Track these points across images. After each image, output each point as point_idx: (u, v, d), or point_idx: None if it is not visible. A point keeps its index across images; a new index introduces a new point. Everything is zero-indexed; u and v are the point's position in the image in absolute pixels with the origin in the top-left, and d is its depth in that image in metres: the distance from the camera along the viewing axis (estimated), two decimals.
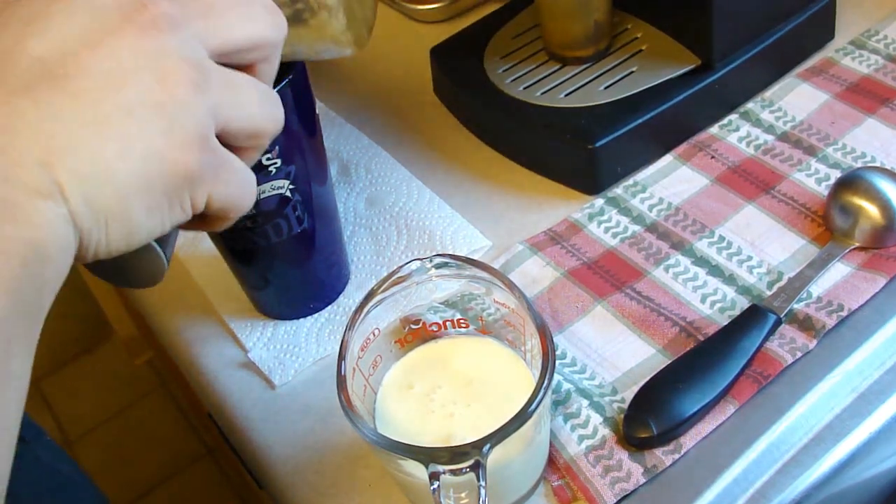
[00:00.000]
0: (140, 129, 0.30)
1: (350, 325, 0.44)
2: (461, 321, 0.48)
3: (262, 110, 0.35)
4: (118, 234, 0.31)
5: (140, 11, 0.31)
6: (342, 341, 0.43)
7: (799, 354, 0.48)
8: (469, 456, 0.38)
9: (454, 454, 0.38)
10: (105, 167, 0.30)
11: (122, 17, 0.31)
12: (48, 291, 0.30)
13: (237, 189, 0.35)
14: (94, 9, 0.31)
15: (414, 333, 0.48)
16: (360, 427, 0.41)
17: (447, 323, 0.48)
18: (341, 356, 0.43)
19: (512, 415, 0.39)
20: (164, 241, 0.39)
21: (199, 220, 0.36)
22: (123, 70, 0.30)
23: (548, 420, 0.44)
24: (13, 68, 0.29)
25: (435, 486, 0.38)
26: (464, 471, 0.38)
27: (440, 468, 0.38)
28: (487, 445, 0.38)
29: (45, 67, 0.29)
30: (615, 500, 0.44)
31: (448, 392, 0.45)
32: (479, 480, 0.38)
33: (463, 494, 0.39)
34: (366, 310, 0.44)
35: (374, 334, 0.46)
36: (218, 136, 0.33)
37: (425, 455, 0.39)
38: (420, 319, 0.48)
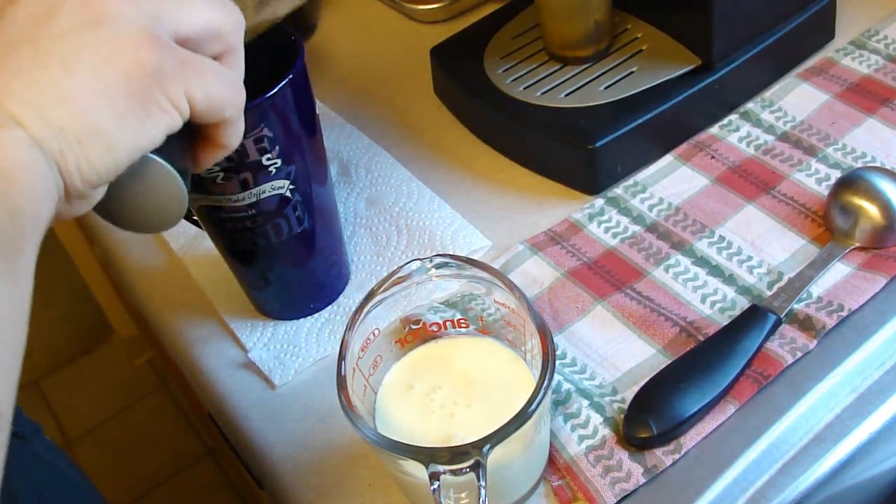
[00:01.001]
0: (78, 46, 0.31)
1: (350, 325, 0.44)
2: (461, 321, 0.48)
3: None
4: (98, 151, 0.31)
5: None
6: (342, 341, 0.43)
7: (799, 354, 0.48)
8: (469, 456, 0.38)
9: (454, 454, 0.38)
10: (53, 88, 0.31)
11: None
12: (28, 221, 0.30)
13: (217, 84, 0.35)
14: None
15: (414, 333, 0.48)
16: (361, 427, 0.41)
17: (447, 323, 0.48)
18: (341, 356, 0.43)
19: (512, 415, 0.39)
20: (174, 163, 0.37)
21: (204, 140, 0.37)
22: (51, 4, 0.31)
23: (548, 420, 0.44)
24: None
25: (435, 486, 0.38)
26: (464, 471, 0.38)
27: (440, 468, 0.38)
28: (487, 445, 0.38)
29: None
30: (615, 501, 0.44)
31: (448, 392, 0.45)
32: (479, 480, 0.38)
33: (463, 494, 0.39)
34: (366, 310, 0.44)
35: (374, 334, 0.46)
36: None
37: (425, 455, 0.39)
38: (420, 319, 0.48)
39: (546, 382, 0.40)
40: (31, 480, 0.59)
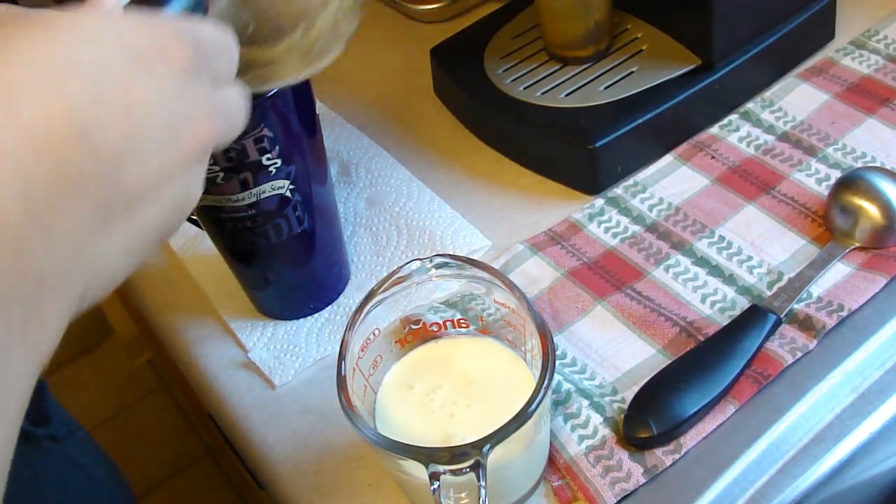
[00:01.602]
0: (151, 245, 0.32)
1: (350, 325, 0.44)
2: (461, 321, 0.48)
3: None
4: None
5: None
6: (342, 341, 0.43)
7: (799, 354, 0.48)
8: (469, 456, 0.38)
9: (454, 454, 0.38)
10: (112, 285, 0.31)
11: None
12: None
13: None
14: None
15: (414, 333, 0.48)
16: (361, 427, 0.41)
17: (447, 323, 0.48)
18: (341, 356, 0.43)
19: (512, 415, 0.39)
20: None
21: None
22: (160, 192, 0.31)
23: (548, 420, 0.44)
24: (100, 175, 0.28)
25: (435, 486, 0.38)
26: (464, 471, 0.38)
27: (440, 468, 0.38)
28: (487, 445, 0.38)
29: (121, 182, 0.29)
30: (615, 501, 0.44)
31: (448, 392, 0.45)
32: (479, 480, 0.38)
33: (463, 494, 0.39)
34: (366, 310, 0.44)
35: (374, 334, 0.45)
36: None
37: (425, 455, 0.39)
38: (420, 319, 0.48)
39: (546, 382, 0.40)
40: (61, 483, 0.59)
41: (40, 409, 0.59)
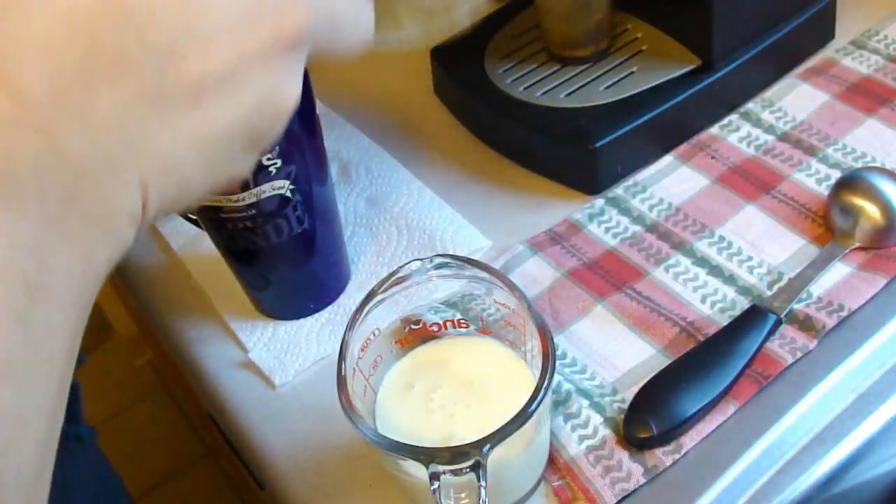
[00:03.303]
0: (230, 149, 0.29)
1: (350, 326, 0.44)
2: (461, 321, 0.48)
3: None
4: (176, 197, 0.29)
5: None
6: (342, 341, 0.43)
7: (799, 355, 0.48)
8: (469, 456, 0.38)
9: (454, 454, 0.38)
10: (186, 188, 0.29)
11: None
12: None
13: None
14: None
15: (414, 333, 0.48)
16: (361, 427, 0.41)
17: (447, 323, 0.48)
18: (341, 356, 0.43)
19: (512, 415, 0.39)
20: None
21: None
22: (237, 87, 0.28)
23: (548, 420, 0.44)
24: (146, 59, 0.26)
25: (435, 486, 0.38)
26: (464, 471, 0.38)
27: (440, 468, 0.38)
28: (488, 445, 0.38)
29: (179, 69, 0.26)
30: (615, 501, 0.44)
31: (448, 392, 0.45)
32: (479, 480, 0.38)
33: (463, 495, 0.39)
34: (366, 310, 0.44)
35: (374, 334, 0.45)
36: None
37: (426, 455, 0.39)
38: (420, 319, 0.48)
39: (546, 382, 0.40)
40: (87, 488, 0.59)
41: (71, 404, 0.59)
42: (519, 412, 0.39)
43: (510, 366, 0.47)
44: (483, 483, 0.38)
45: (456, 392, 0.45)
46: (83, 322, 0.27)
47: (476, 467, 0.38)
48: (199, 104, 0.27)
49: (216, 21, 0.27)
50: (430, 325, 0.48)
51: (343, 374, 0.42)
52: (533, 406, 0.39)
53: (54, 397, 0.26)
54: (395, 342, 0.47)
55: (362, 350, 0.45)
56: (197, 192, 0.29)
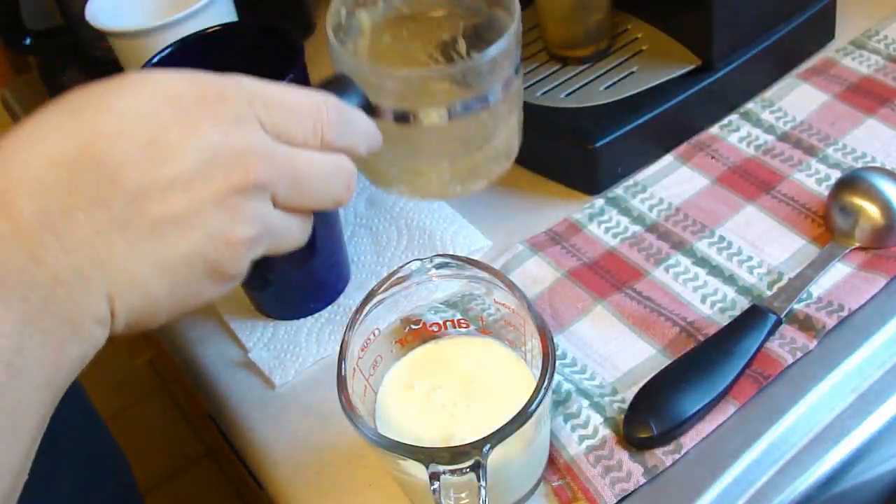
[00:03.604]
0: (190, 276, 0.35)
1: (350, 325, 0.44)
2: (461, 321, 0.48)
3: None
4: (144, 314, 0.35)
5: (235, 172, 0.34)
6: (342, 341, 0.43)
7: (799, 354, 0.48)
8: (469, 456, 0.38)
9: (454, 454, 0.38)
10: (154, 304, 0.35)
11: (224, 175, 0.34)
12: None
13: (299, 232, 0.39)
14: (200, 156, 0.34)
15: (414, 333, 0.48)
16: (361, 427, 0.41)
17: (447, 323, 0.48)
18: (341, 356, 0.43)
19: (512, 415, 0.39)
20: None
21: None
22: (191, 225, 0.34)
23: (548, 420, 0.44)
24: (115, 197, 0.32)
25: (435, 486, 0.38)
26: (464, 471, 0.38)
27: (440, 468, 0.38)
28: (488, 445, 0.38)
29: (142, 207, 0.33)
30: (615, 501, 0.44)
31: (448, 392, 0.45)
32: (479, 480, 0.38)
33: (463, 494, 0.39)
34: (366, 310, 0.44)
35: (374, 334, 0.45)
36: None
37: (426, 455, 0.39)
38: (420, 319, 0.48)
39: (546, 382, 0.40)
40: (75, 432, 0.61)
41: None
42: (519, 412, 0.39)
43: (510, 366, 0.47)
44: (483, 483, 0.38)
45: (456, 392, 0.45)
46: (54, 402, 0.33)
47: (476, 467, 0.38)
48: (159, 235, 0.33)
49: (175, 173, 0.33)
50: (430, 325, 0.48)
51: (343, 374, 0.42)
52: (533, 406, 0.39)
53: (21, 459, 0.31)
54: (395, 342, 0.47)
55: (362, 350, 0.45)
56: (165, 309, 0.35)
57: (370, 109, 0.41)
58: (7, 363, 0.30)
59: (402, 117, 0.42)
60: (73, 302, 0.32)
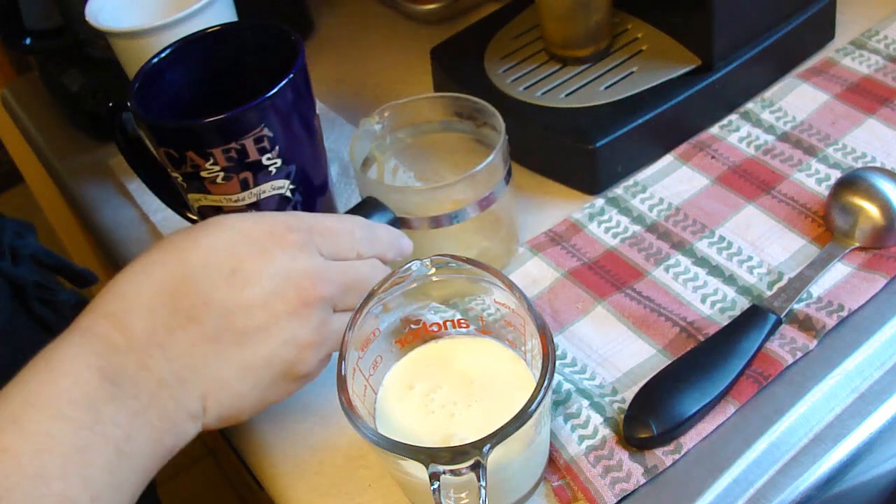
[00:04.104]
0: (269, 375, 0.44)
1: (350, 326, 0.44)
2: (461, 321, 0.48)
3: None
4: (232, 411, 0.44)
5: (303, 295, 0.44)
6: (342, 341, 0.43)
7: (799, 354, 0.48)
8: (469, 456, 0.38)
9: (454, 454, 0.38)
10: (240, 400, 0.43)
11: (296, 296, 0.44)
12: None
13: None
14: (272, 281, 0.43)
15: (414, 333, 0.48)
16: (361, 427, 0.41)
17: (447, 323, 0.48)
18: (341, 356, 0.43)
19: (512, 415, 0.39)
20: None
21: None
22: (269, 334, 0.43)
23: (548, 420, 0.44)
24: (208, 317, 0.41)
25: (435, 486, 0.38)
26: (464, 471, 0.38)
27: (440, 468, 0.38)
28: (488, 445, 0.38)
29: (229, 322, 0.42)
30: (615, 501, 0.44)
31: (448, 392, 0.45)
32: (479, 480, 0.38)
33: (463, 494, 0.39)
34: (366, 310, 0.44)
35: (374, 334, 0.45)
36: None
37: (426, 455, 0.39)
38: (420, 319, 0.48)
39: (546, 382, 0.40)
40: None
41: None
42: (519, 412, 0.39)
43: (510, 366, 0.47)
44: (483, 483, 0.38)
45: (456, 392, 0.45)
46: (146, 481, 0.41)
47: (476, 467, 0.38)
48: (243, 344, 0.42)
49: (255, 294, 0.42)
50: (430, 325, 0.48)
51: (343, 374, 0.42)
52: (533, 406, 0.39)
53: None
54: (395, 342, 0.47)
55: (362, 350, 0.45)
56: (249, 404, 0.44)
57: (398, 221, 0.51)
58: (118, 449, 0.38)
59: (426, 223, 0.52)
60: (173, 401, 0.41)
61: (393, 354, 0.47)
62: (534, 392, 0.40)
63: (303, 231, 0.44)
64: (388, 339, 0.47)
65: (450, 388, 0.45)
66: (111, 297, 0.41)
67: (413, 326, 0.48)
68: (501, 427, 0.39)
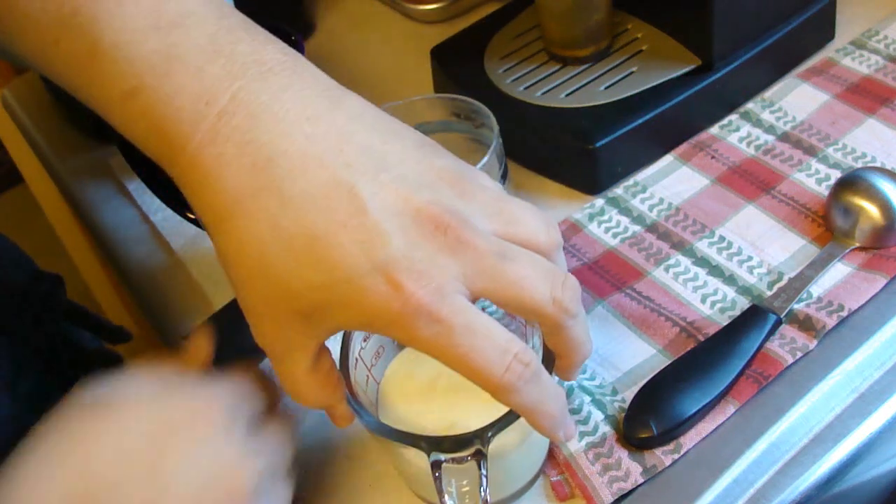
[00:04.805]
0: None
1: None
2: None
3: None
4: None
5: None
6: (344, 333, 0.43)
7: (799, 354, 0.48)
8: (471, 444, 0.38)
9: (456, 443, 0.38)
10: None
11: None
12: None
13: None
14: None
15: None
16: (363, 416, 0.41)
17: None
18: (344, 347, 0.43)
19: None
20: None
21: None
22: None
23: None
24: None
25: (437, 474, 0.38)
26: (466, 459, 0.38)
27: (442, 457, 0.38)
28: (489, 434, 0.38)
29: None
30: (612, 499, 0.44)
31: (450, 381, 0.45)
32: (480, 469, 0.38)
33: (465, 482, 0.39)
34: None
35: None
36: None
37: (427, 444, 0.39)
38: None
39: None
40: None
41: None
42: None
43: None
44: (484, 471, 0.38)
45: (458, 381, 0.45)
46: None
47: (478, 455, 0.38)
48: None
49: (177, 491, 0.36)
50: None
51: (345, 365, 0.42)
52: None
53: None
54: None
55: (364, 340, 0.45)
56: None
57: None
58: None
59: None
60: None
61: (395, 345, 0.47)
62: None
63: (220, 405, 0.39)
64: None
65: (451, 377, 0.45)
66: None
67: None
68: (504, 416, 0.39)
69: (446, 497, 0.38)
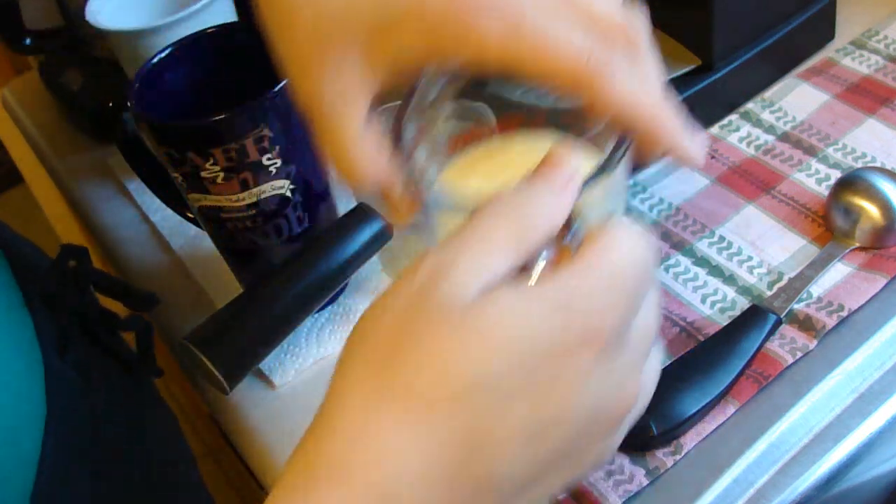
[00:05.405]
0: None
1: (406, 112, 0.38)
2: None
3: None
4: None
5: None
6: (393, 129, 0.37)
7: (799, 354, 0.48)
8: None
9: None
10: None
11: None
12: None
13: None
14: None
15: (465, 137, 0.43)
16: (427, 189, 0.36)
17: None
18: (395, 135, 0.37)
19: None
20: None
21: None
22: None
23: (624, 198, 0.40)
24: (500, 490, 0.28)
25: None
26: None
27: None
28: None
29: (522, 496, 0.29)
30: (620, 503, 0.44)
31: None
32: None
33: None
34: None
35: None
36: None
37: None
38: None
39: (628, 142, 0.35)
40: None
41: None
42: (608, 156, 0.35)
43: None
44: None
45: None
46: None
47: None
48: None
49: (559, 440, 0.28)
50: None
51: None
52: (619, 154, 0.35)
53: None
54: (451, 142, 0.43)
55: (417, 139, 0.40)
56: None
57: (389, 228, 0.44)
58: None
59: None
60: None
61: (443, 162, 0.43)
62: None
63: (607, 321, 0.29)
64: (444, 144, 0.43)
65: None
66: (358, 460, 0.29)
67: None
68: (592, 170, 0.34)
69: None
